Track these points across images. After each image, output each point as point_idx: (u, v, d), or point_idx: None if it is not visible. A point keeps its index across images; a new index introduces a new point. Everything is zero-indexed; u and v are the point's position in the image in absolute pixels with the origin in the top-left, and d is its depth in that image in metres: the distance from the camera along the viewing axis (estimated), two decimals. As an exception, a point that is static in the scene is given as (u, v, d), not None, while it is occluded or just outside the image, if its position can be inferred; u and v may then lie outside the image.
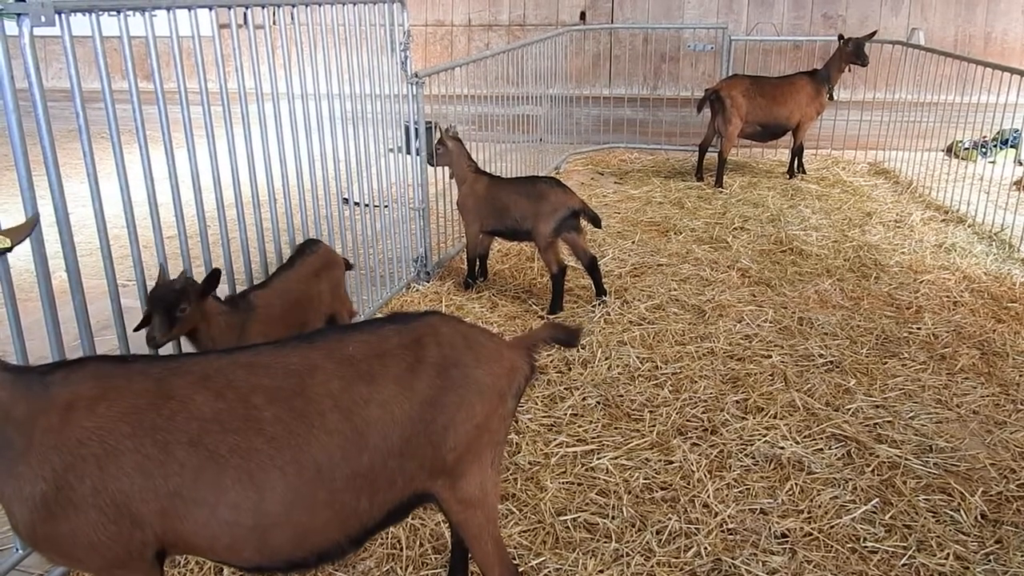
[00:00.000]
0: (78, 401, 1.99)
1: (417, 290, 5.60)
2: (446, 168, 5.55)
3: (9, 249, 2.18)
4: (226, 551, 2.13)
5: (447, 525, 3.05)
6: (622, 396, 4.18)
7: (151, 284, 3.33)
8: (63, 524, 1.96)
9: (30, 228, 2.26)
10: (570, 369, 4.46)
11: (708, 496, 3.38)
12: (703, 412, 4.04)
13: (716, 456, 3.68)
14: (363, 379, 2.17)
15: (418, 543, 3.11)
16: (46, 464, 1.94)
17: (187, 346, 3.37)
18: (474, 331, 2.43)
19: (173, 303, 3.11)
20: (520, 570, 2.96)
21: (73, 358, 2.23)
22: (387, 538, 3.14)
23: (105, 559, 2.03)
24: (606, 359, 4.55)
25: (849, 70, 8.48)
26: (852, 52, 8.24)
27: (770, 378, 4.37)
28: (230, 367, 2.14)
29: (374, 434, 2.15)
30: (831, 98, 8.42)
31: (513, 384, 2.38)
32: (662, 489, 3.45)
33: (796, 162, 8.65)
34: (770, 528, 3.20)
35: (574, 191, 5.34)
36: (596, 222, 5.23)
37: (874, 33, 8.68)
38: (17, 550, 2.85)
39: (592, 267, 5.29)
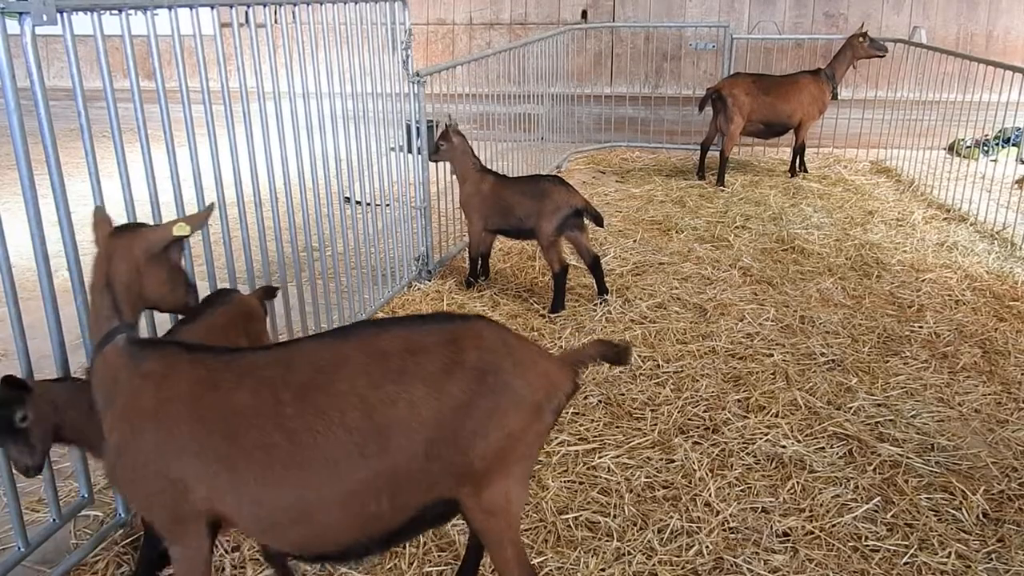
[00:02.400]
0: (151, 376, 2.19)
1: (419, 289, 5.60)
2: (446, 165, 5.54)
3: (189, 235, 2.39)
4: (261, 537, 2.31)
5: (455, 528, 3.05)
6: (623, 395, 4.18)
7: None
8: (129, 475, 2.22)
9: (206, 216, 2.45)
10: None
11: (710, 495, 3.38)
12: (705, 411, 4.04)
13: (718, 455, 3.68)
14: (392, 376, 2.15)
15: (421, 539, 3.11)
16: (123, 423, 2.19)
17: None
18: (519, 340, 2.37)
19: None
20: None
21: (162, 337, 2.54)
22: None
23: (162, 514, 2.24)
24: (608, 358, 4.54)
25: (854, 67, 8.48)
26: (871, 47, 8.26)
27: (772, 377, 4.37)
28: (269, 363, 2.23)
29: (398, 434, 2.12)
30: (835, 96, 8.42)
31: (553, 399, 2.31)
32: (664, 488, 3.45)
33: (798, 160, 8.64)
34: (772, 527, 3.20)
35: (577, 190, 5.34)
36: (599, 221, 5.23)
37: (865, 29, 8.67)
38: (19, 548, 2.86)
39: (595, 266, 5.29)
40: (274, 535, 2.23)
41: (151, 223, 2.51)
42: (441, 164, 5.60)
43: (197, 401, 2.15)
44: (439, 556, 3.04)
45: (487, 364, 2.21)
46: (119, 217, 3.10)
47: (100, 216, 2.40)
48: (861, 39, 8.30)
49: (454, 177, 5.61)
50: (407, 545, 3.07)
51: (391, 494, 2.16)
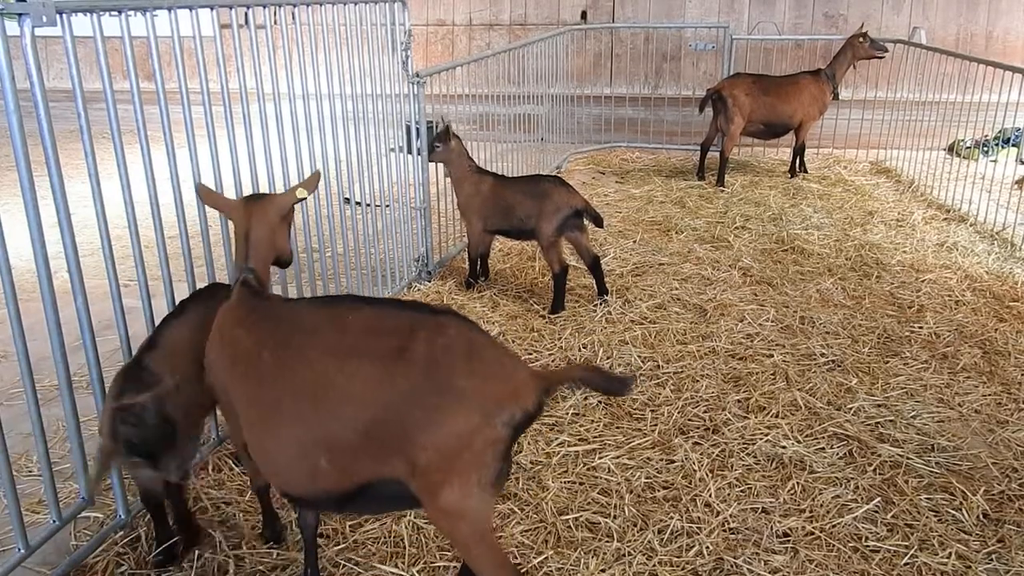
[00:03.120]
0: (227, 314, 2.64)
1: (418, 289, 5.60)
2: (442, 166, 5.52)
3: (307, 198, 2.96)
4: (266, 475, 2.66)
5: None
6: (623, 395, 4.18)
7: (153, 284, 3.34)
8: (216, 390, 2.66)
9: (316, 181, 3.00)
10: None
11: (710, 495, 3.38)
12: (705, 411, 4.04)
13: (718, 455, 3.68)
14: (348, 351, 2.31)
15: (421, 539, 3.11)
16: (210, 350, 2.66)
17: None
18: (487, 344, 2.34)
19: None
20: (523, 570, 2.96)
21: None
22: (390, 537, 3.14)
23: (233, 433, 2.69)
24: (608, 358, 4.55)
25: (855, 68, 8.48)
26: (872, 47, 8.27)
27: (772, 377, 4.37)
28: (271, 316, 2.58)
29: (345, 404, 2.27)
30: (836, 97, 8.42)
31: (505, 411, 2.22)
32: (664, 488, 3.45)
33: (798, 161, 8.64)
34: (772, 527, 3.20)
35: (577, 190, 5.35)
36: (598, 222, 5.23)
37: (864, 30, 8.67)
38: (20, 550, 2.86)
39: (595, 266, 5.29)
40: (259, 467, 2.60)
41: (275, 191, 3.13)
42: (439, 165, 5.59)
43: (229, 336, 2.57)
44: (440, 555, 3.04)
45: (436, 359, 2.23)
46: (119, 218, 3.12)
47: (206, 190, 2.98)
48: (861, 39, 8.31)
49: (448, 184, 5.60)
50: (407, 545, 3.07)
51: (331, 456, 2.31)
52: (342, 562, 3.01)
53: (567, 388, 2.42)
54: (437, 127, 5.44)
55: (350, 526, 3.19)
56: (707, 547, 3.08)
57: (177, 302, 3.28)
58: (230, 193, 3.66)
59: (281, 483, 2.50)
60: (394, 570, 2.96)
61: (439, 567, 2.99)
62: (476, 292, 5.52)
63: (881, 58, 8.46)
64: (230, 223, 2.92)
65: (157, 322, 3.29)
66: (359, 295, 2.95)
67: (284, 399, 2.36)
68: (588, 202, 5.27)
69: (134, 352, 3.04)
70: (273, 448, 2.42)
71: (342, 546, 3.09)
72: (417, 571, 2.96)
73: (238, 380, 2.49)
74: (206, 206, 3.20)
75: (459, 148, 5.39)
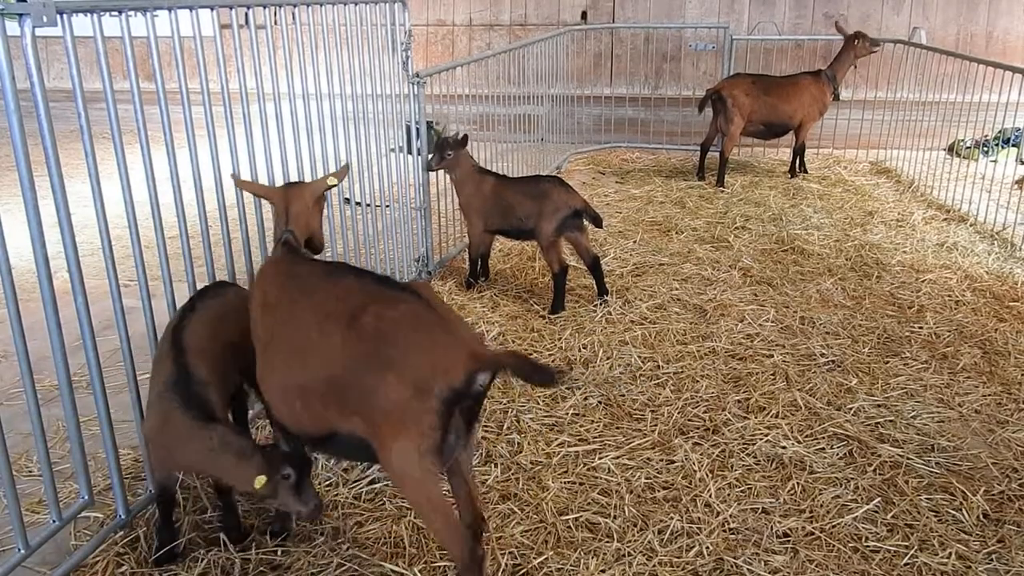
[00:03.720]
0: (267, 267, 3.08)
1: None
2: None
3: (337, 185, 3.45)
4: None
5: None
6: (624, 396, 4.18)
7: (153, 284, 3.34)
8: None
9: (345, 173, 3.50)
10: (571, 368, 4.46)
11: (710, 495, 3.38)
12: (705, 411, 4.04)
13: (718, 455, 3.68)
14: (325, 314, 2.66)
15: (421, 540, 3.11)
16: (251, 297, 3.05)
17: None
18: (432, 321, 2.52)
19: None
20: (523, 570, 2.97)
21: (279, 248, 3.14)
22: (391, 537, 3.14)
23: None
24: (608, 359, 4.55)
25: (855, 67, 8.49)
26: (870, 43, 8.29)
27: (772, 377, 4.37)
28: (293, 275, 2.93)
29: (316, 359, 2.60)
30: (837, 97, 8.42)
31: (435, 385, 2.37)
32: (664, 489, 3.45)
33: (798, 161, 8.64)
34: (772, 527, 3.20)
35: (576, 190, 5.35)
36: (598, 222, 5.23)
37: (854, 31, 8.68)
38: (20, 550, 2.86)
39: (595, 267, 5.29)
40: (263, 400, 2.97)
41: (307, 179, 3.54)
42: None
43: (264, 285, 2.95)
44: (440, 554, 3.04)
45: (381, 331, 2.49)
46: (119, 218, 3.12)
47: (243, 180, 3.46)
48: (860, 38, 8.32)
49: (449, 180, 5.60)
50: (407, 546, 3.07)
51: (303, 402, 2.66)
52: (344, 561, 3.01)
53: (496, 369, 2.44)
54: (441, 128, 5.42)
55: (351, 526, 3.19)
56: (707, 547, 3.08)
57: (177, 302, 3.30)
58: (229, 193, 3.68)
59: (276, 416, 2.84)
60: (396, 568, 2.96)
61: (439, 567, 2.99)
62: (476, 292, 5.52)
63: (875, 52, 8.47)
64: (237, 223, 2.93)
65: (156, 323, 3.31)
66: (352, 265, 3.09)
67: (280, 345, 2.74)
68: (588, 202, 5.27)
69: (132, 351, 3.05)
70: (269, 386, 2.82)
71: (345, 545, 3.09)
72: (418, 571, 2.96)
73: (261, 324, 2.88)
74: (245, 192, 3.57)
75: (465, 153, 5.40)
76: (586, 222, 5.22)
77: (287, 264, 3.02)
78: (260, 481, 2.61)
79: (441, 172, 5.61)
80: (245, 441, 2.78)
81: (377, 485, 3.45)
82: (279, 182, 4.09)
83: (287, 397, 2.71)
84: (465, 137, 5.35)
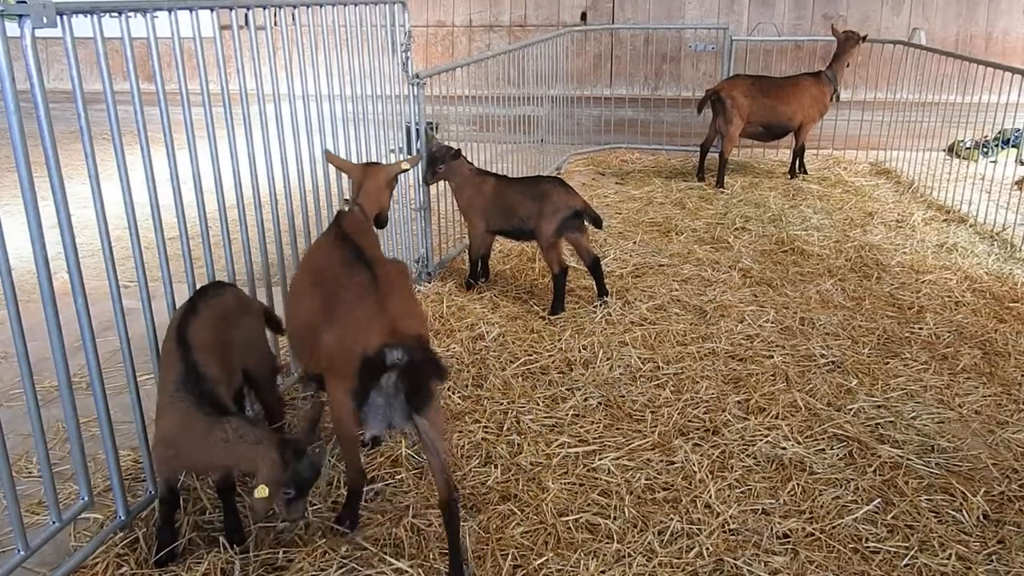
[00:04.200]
0: (326, 233, 3.69)
1: (419, 290, 5.60)
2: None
3: (409, 169, 4.07)
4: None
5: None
6: (624, 397, 4.18)
7: (153, 285, 3.34)
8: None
9: (417, 160, 4.27)
10: (571, 370, 4.46)
11: (710, 496, 3.38)
12: (705, 412, 4.04)
13: (718, 456, 3.67)
14: (317, 275, 3.30)
15: (421, 543, 3.11)
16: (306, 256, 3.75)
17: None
18: (372, 294, 3.01)
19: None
20: (523, 571, 2.98)
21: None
22: (390, 538, 3.14)
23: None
24: (607, 360, 4.55)
25: (849, 65, 8.50)
26: (860, 38, 8.31)
27: (772, 378, 4.37)
28: (323, 246, 3.59)
29: (302, 310, 3.28)
30: (837, 98, 8.42)
31: (356, 347, 2.83)
32: (664, 490, 3.45)
33: (797, 162, 8.64)
34: (772, 528, 3.20)
35: (576, 191, 5.35)
36: (598, 223, 5.23)
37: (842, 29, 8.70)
38: (19, 551, 2.86)
39: (595, 267, 5.29)
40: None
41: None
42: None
43: (314, 247, 3.70)
44: (441, 555, 3.04)
45: (336, 295, 3.08)
46: (119, 219, 3.12)
47: (333, 155, 4.12)
48: (855, 37, 8.35)
49: (447, 185, 5.60)
50: (407, 547, 3.07)
51: (300, 344, 3.41)
52: (344, 562, 3.01)
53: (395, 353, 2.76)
54: (436, 131, 5.42)
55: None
56: (707, 548, 3.08)
57: (177, 303, 3.30)
58: (229, 193, 3.68)
59: (295, 355, 3.81)
60: (394, 569, 2.96)
61: (438, 568, 2.99)
62: (476, 293, 5.52)
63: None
64: (237, 224, 2.92)
65: (156, 324, 3.31)
66: (354, 242, 3.40)
67: (292, 296, 3.54)
68: (588, 203, 5.27)
69: (132, 352, 3.04)
70: (288, 329, 3.56)
71: (344, 547, 3.09)
72: (417, 571, 2.96)
73: (298, 278, 3.52)
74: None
75: (459, 161, 5.40)
76: (586, 223, 5.22)
77: (325, 235, 3.66)
78: (262, 491, 2.63)
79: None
80: (260, 429, 2.79)
81: (377, 485, 3.46)
82: (279, 184, 4.11)
83: (292, 338, 3.51)
84: (458, 151, 5.35)
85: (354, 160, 4.86)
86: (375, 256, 3.38)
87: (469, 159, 5.56)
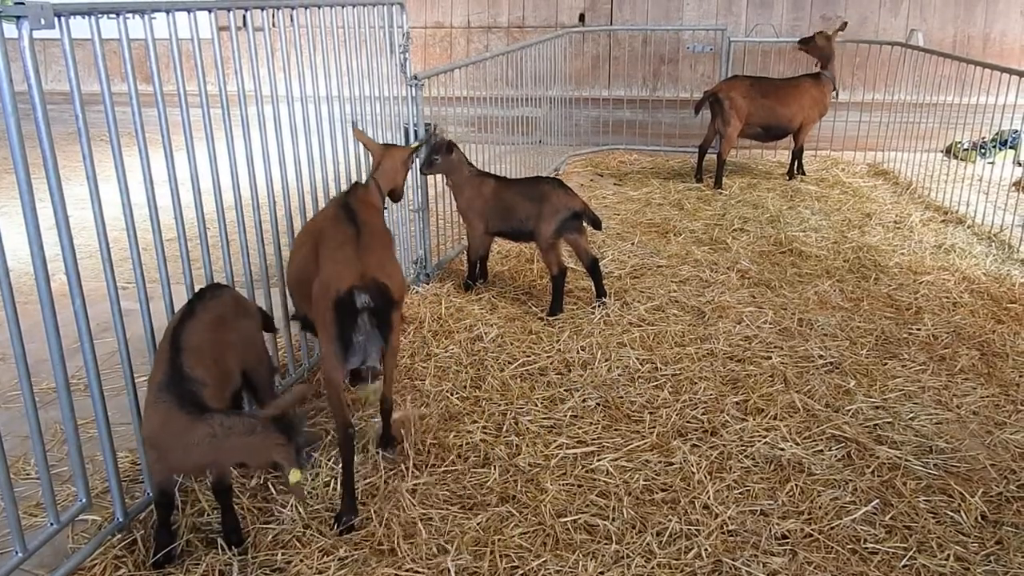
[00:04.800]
0: (337, 198, 4.07)
1: (417, 291, 5.60)
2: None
3: (419, 148, 4.74)
4: None
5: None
6: (622, 398, 4.18)
7: (151, 286, 3.34)
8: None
9: (431, 135, 5.01)
10: (570, 371, 4.46)
11: (708, 497, 3.38)
12: (703, 413, 4.04)
13: (716, 457, 3.68)
14: (309, 231, 3.86)
15: (419, 542, 3.11)
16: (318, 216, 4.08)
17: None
18: (351, 244, 3.40)
19: None
20: (521, 572, 2.97)
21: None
22: (388, 539, 3.14)
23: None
24: (606, 361, 4.55)
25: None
26: (837, 29, 8.37)
27: (770, 379, 4.37)
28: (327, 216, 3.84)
29: (297, 261, 3.75)
30: (836, 95, 8.46)
31: (332, 289, 3.20)
32: (662, 491, 3.45)
33: (796, 163, 8.65)
34: (770, 529, 3.20)
35: (576, 192, 5.35)
36: (597, 224, 5.23)
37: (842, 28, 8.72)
38: (17, 553, 2.85)
39: (593, 268, 5.29)
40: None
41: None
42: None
43: (326, 210, 3.98)
44: (441, 556, 3.04)
45: (319, 248, 3.47)
46: (116, 219, 3.12)
47: (360, 132, 4.49)
48: (831, 34, 8.42)
49: (446, 185, 5.60)
50: (404, 548, 3.07)
51: (298, 293, 3.77)
52: (342, 564, 3.01)
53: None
54: (434, 130, 5.42)
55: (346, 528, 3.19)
56: (706, 549, 3.08)
57: (175, 304, 3.30)
58: (227, 195, 3.68)
59: (296, 307, 3.94)
60: (393, 570, 2.96)
61: (437, 568, 2.99)
62: (475, 294, 5.52)
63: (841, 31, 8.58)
64: (235, 225, 2.91)
65: (154, 325, 3.31)
66: (350, 207, 3.75)
67: (294, 250, 3.87)
68: (587, 204, 5.27)
69: (130, 354, 3.03)
70: (288, 280, 3.96)
71: (342, 547, 3.09)
72: (415, 572, 2.96)
73: (298, 235, 3.95)
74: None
75: (458, 156, 5.38)
76: (585, 224, 5.23)
77: (334, 201, 4.01)
78: (296, 475, 2.67)
79: (440, 175, 5.62)
80: (245, 417, 2.74)
81: (377, 476, 3.45)
82: (277, 185, 4.11)
83: (291, 288, 3.89)
84: (450, 144, 5.31)
85: (352, 160, 4.88)
86: (367, 221, 3.66)
87: (469, 163, 5.55)
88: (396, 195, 4.48)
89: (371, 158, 4.36)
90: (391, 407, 3.70)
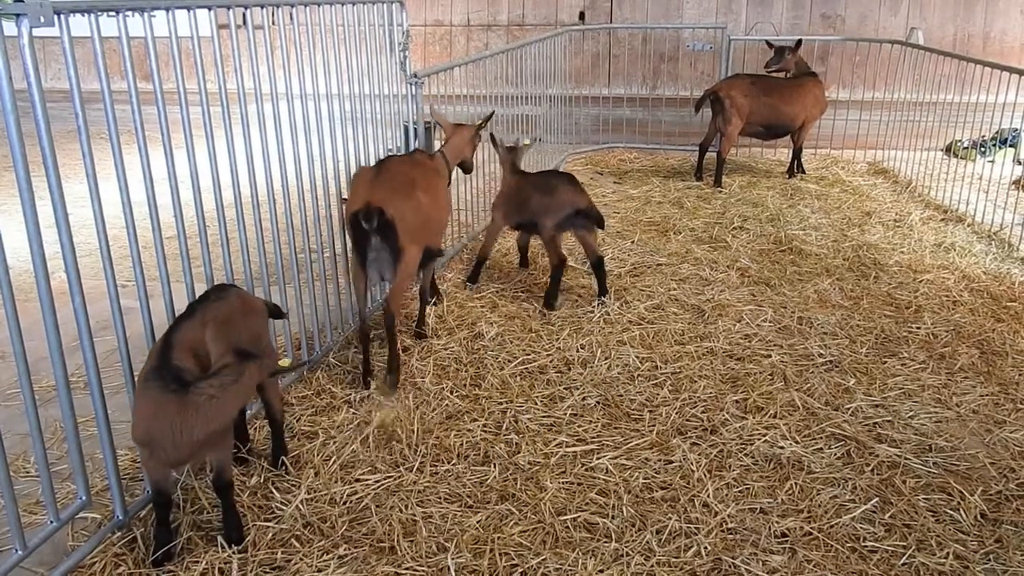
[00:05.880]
0: (410, 154, 4.94)
1: (415, 291, 5.60)
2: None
3: (484, 127, 5.31)
4: None
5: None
6: (622, 396, 4.18)
7: (151, 284, 3.34)
8: None
9: (489, 117, 5.42)
10: (569, 369, 4.46)
11: (708, 496, 3.38)
12: (703, 412, 4.04)
13: (716, 456, 3.68)
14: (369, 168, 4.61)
15: (419, 541, 3.11)
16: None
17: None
18: (372, 177, 4.27)
19: None
20: (520, 570, 2.97)
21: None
22: (388, 537, 3.14)
23: None
24: (605, 359, 4.55)
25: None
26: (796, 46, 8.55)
27: (769, 378, 4.37)
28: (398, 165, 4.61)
29: (357, 193, 4.31)
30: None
31: (350, 210, 4.14)
32: (662, 489, 3.45)
33: (795, 162, 8.65)
34: (770, 527, 3.21)
35: (584, 190, 5.38)
36: (600, 222, 5.25)
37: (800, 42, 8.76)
38: (17, 550, 2.85)
39: (598, 266, 5.32)
40: None
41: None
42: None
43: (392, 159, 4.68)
44: (436, 547, 3.04)
45: (352, 183, 4.44)
46: (116, 218, 3.12)
47: (437, 111, 5.29)
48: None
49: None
50: (404, 547, 3.07)
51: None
52: (344, 560, 3.01)
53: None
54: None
55: (344, 523, 3.20)
56: (705, 547, 3.08)
57: (175, 302, 3.29)
58: (227, 193, 3.68)
59: None
60: (392, 568, 2.97)
61: (436, 568, 2.99)
62: (476, 293, 5.52)
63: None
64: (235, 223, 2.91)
65: (154, 323, 3.31)
66: (397, 157, 4.71)
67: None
68: (592, 203, 5.29)
69: (129, 352, 3.03)
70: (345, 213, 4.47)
71: (342, 546, 3.09)
72: (414, 572, 2.96)
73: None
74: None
75: (507, 156, 5.62)
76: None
77: (416, 160, 4.75)
78: (285, 361, 3.07)
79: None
80: (224, 370, 2.81)
81: (376, 475, 3.46)
82: (277, 183, 4.11)
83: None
84: (513, 147, 5.64)
85: (353, 160, 4.88)
86: (392, 168, 4.42)
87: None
88: (466, 167, 5.27)
89: (442, 133, 5.16)
90: (393, 322, 4.22)
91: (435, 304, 5.18)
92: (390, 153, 5.23)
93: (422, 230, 4.30)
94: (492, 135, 5.59)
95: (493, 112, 5.47)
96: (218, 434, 2.86)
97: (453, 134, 5.07)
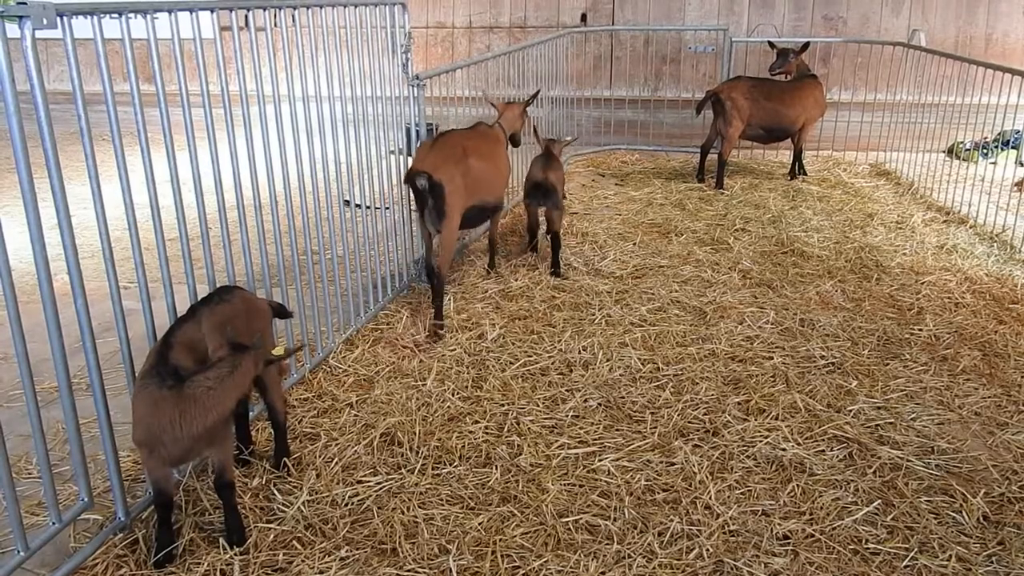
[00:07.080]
0: (472, 127, 5.63)
1: (417, 291, 5.61)
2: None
3: (530, 103, 6.19)
4: None
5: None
6: (623, 398, 4.18)
7: (153, 286, 3.34)
8: None
9: (535, 95, 6.30)
10: (571, 371, 4.46)
11: (710, 498, 3.38)
12: (704, 414, 4.04)
13: (718, 458, 3.67)
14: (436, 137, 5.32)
15: (419, 542, 3.11)
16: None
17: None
18: (433, 145, 4.95)
19: None
20: (522, 572, 2.97)
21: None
22: (389, 539, 3.14)
23: None
24: (607, 361, 4.55)
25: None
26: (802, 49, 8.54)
27: (771, 379, 4.37)
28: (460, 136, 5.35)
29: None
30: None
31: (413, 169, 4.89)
32: (664, 491, 3.45)
33: (797, 164, 8.64)
34: (772, 530, 3.20)
35: (551, 165, 5.87)
36: (548, 197, 5.76)
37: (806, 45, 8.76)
38: (19, 552, 2.86)
39: (554, 241, 5.85)
40: None
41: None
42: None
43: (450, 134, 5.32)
44: (441, 553, 3.04)
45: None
46: (118, 219, 3.12)
47: (489, 94, 6.10)
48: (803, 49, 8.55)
49: None
50: (405, 548, 3.07)
51: None
52: (345, 561, 3.01)
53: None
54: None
55: (345, 524, 3.20)
56: (707, 549, 3.08)
57: (177, 304, 3.30)
58: (229, 194, 3.69)
59: None
60: (393, 570, 2.96)
61: (436, 568, 2.99)
62: (478, 293, 5.52)
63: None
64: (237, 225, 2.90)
65: (156, 325, 3.31)
66: (459, 130, 5.39)
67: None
68: (547, 177, 5.78)
69: (131, 353, 3.03)
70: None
71: (344, 548, 3.09)
72: (415, 572, 2.96)
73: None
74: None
75: (547, 144, 6.13)
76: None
77: (480, 133, 5.54)
78: (279, 350, 3.02)
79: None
80: (218, 363, 2.82)
81: (378, 477, 3.46)
82: (279, 184, 4.11)
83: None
84: (554, 140, 6.27)
85: (354, 160, 4.89)
86: (448, 140, 5.08)
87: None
88: (515, 140, 6.00)
89: (496, 111, 5.86)
90: (435, 274, 4.98)
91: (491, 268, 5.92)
92: (420, 142, 5.53)
93: (475, 188, 5.11)
94: (535, 128, 6.34)
95: (539, 90, 6.26)
96: (217, 428, 2.86)
97: (506, 110, 5.83)
